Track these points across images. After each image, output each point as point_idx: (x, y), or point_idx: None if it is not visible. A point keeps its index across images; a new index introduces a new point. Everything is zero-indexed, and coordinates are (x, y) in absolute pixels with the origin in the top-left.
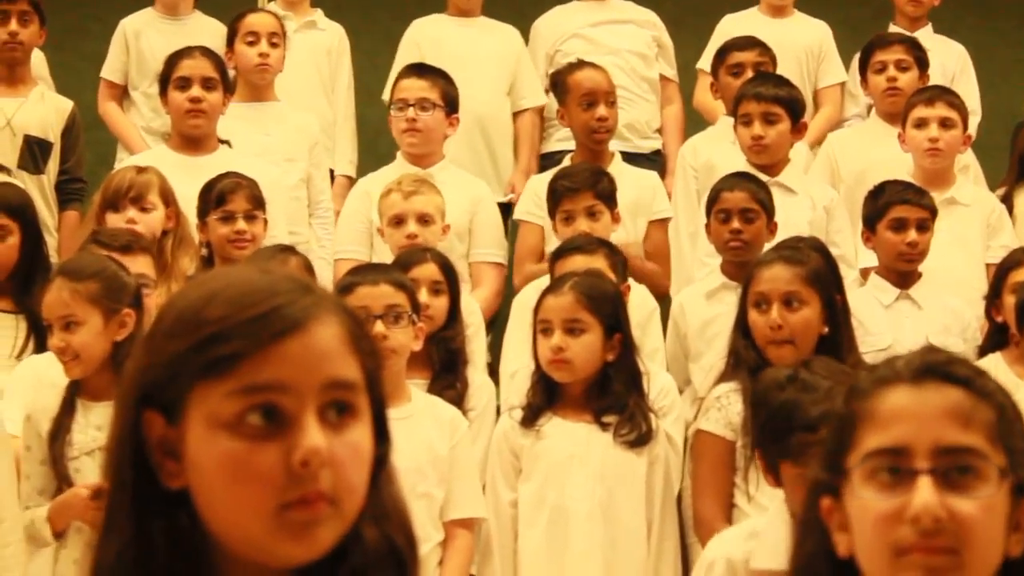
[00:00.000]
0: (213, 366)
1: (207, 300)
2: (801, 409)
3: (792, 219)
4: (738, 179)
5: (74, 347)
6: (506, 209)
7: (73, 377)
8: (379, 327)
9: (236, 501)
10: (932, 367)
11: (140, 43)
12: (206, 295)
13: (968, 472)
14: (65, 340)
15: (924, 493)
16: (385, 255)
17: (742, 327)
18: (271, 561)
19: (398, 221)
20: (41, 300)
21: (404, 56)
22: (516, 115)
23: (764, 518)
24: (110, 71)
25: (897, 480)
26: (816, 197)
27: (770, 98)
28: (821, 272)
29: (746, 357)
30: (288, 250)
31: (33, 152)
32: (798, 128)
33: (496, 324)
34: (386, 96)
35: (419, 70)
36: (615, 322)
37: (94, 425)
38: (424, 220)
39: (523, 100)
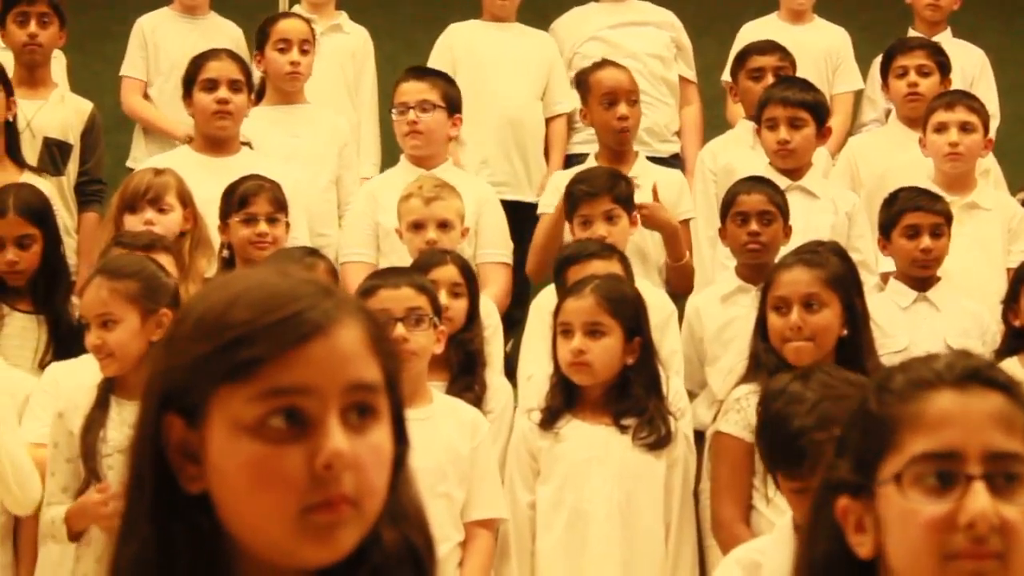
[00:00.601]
0: (236, 370)
1: (229, 303)
2: (786, 422)
3: (814, 223)
4: (754, 182)
5: (110, 345)
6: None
7: (109, 375)
8: (400, 330)
9: (259, 504)
10: (975, 372)
11: (156, 39)
12: (228, 298)
13: (1013, 478)
14: (101, 338)
15: (981, 499)
16: (391, 257)
17: (761, 330)
18: (293, 564)
19: (417, 226)
20: (63, 304)
21: (437, 60)
22: (549, 120)
23: (768, 536)
24: (131, 68)
25: (946, 485)
26: (838, 202)
27: (796, 103)
28: (840, 275)
29: (766, 360)
30: (315, 254)
31: (53, 154)
32: (822, 133)
33: (514, 327)
34: None
35: (418, 72)
36: (635, 325)
37: (129, 423)
38: (443, 226)
39: (556, 106)
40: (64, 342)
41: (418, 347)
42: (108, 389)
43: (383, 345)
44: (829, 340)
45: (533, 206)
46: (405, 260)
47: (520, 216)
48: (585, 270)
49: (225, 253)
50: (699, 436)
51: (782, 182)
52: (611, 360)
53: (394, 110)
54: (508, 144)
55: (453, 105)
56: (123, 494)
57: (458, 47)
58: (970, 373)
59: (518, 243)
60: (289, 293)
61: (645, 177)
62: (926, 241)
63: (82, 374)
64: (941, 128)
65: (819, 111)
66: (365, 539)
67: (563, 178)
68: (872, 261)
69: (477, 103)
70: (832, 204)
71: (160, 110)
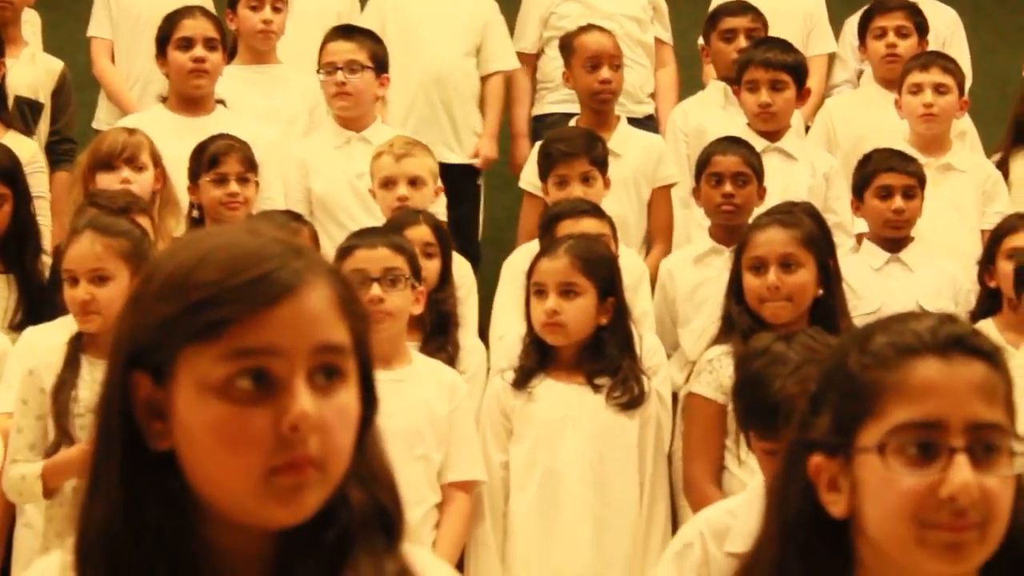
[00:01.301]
0: (203, 330)
1: (197, 263)
2: (766, 383)
3: (792, 185)
4: (730, 143)
5: (99, 301)
6: (470, 171)
7: (89, 331)
8: (376, 290)
9: (224, 465)
10: (959, 339)
11: None
12: (196, 257)
13: (993, 448)
14: (91, 293)
15: (963, 472)
16: (325, 223)
17: (735, 291)
18: (258, 523)
19: (388, 183)
20: (33, 264)
21: (367, 18)
22: (484, 79)
23: (739, 497)
24: (98, 28)
25: (927, 455)
26: (816, 163)
27: (778, 65)
28: (815, 235)
29: (739, 321)
30: (299, 219)
31: (24, 113)
32: (802, 95)
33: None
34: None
35: (345, 32)
36: (609, 285)
37: (101, 382)
38: (414, 183)
39: (491, 64)
40: (34, 302)
41: (394, 308)
42: (77, 348)
43: (351, 306)
44: (806, 300)
45: (457, 167)
46: (342, 227)
47: (443, 176)
48: (576, 227)
49: (195, 214)
50: (672, 397)
51: (760, 143)
52: (585, 320)
53: (321, 71)
54: (434, 103)
55: (381, 64)
56: (91, 453)
57: (387, 4)
58: (954, 340)
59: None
60: (258, 253)
61: (627, 142)
62: (898, 202)
63: (56, 336)
64: (916, 89)
65: (800, 73)
66: (332, 500)
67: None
68: (849, 223)
69: (403, 60)
70: (810, 166)
71: (120, 75)
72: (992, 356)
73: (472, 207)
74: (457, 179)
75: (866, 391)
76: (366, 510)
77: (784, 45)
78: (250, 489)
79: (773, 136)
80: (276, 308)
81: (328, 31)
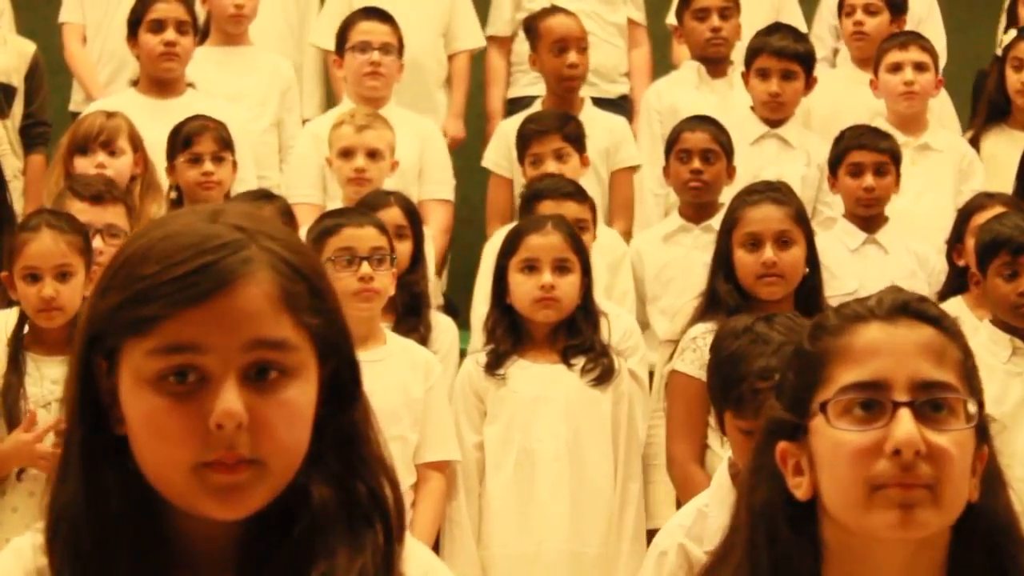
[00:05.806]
0: (137, 324)
1: (144, 253)
2: (746, 361)
3: (786, 173)
4: (699, 121)
5: (63, 297)
6: None
7: (52, 327)
8: (366, 268)
9: (156, 455)
10: (905, 305)
11: None
12: (145, 247)
13: (941, 408)
14: (57, 290)
15: (906, 425)
16: (338, 200)
17: (723, 268)
18: (200, 515)
19: (347, 154)
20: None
21: (336, 2)
22: (451, 58)
23: (706, 493)
24: (71, 14)
25: (873, 415)
26: (812, 153)
27: (790, 54)
28: (803, 212)
29: (727, 299)
30: (266, 196)
31: None
32: (809, 83)
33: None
34: (318, 40)
35: (379, 15)
36: (588, 263)
37: (49, 379)
38: (373, 155)
39: (458, 42)
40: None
41: (380, 287)
42: (18, 347)
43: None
44: (797, 277)
45: None
46: None
47: None
48: (557, 209)
49: (173, 195)
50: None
51: (760, 128)
52: (575, 296)
53: (351, 49)
54: (411, 84)
55: (401, 50)
56: (63, 436)
57: None
58: (900, 306)
59: None
60: (199, 245)
61: (591, 123)
62: (869, 180)
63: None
64: (895, 68)
65: (809, 62)
66: (293, 497)
67: (508, 128)
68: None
69: None
70: (806, 155)
71: (90, 61)
72: (939, 321)
73: None
74: None
75: (815, 361)
76: (329, 508)
77: (796, 34)
78: (182, 482)
79: (776, 123)
80: (205, 305)
81: (355, 11)
